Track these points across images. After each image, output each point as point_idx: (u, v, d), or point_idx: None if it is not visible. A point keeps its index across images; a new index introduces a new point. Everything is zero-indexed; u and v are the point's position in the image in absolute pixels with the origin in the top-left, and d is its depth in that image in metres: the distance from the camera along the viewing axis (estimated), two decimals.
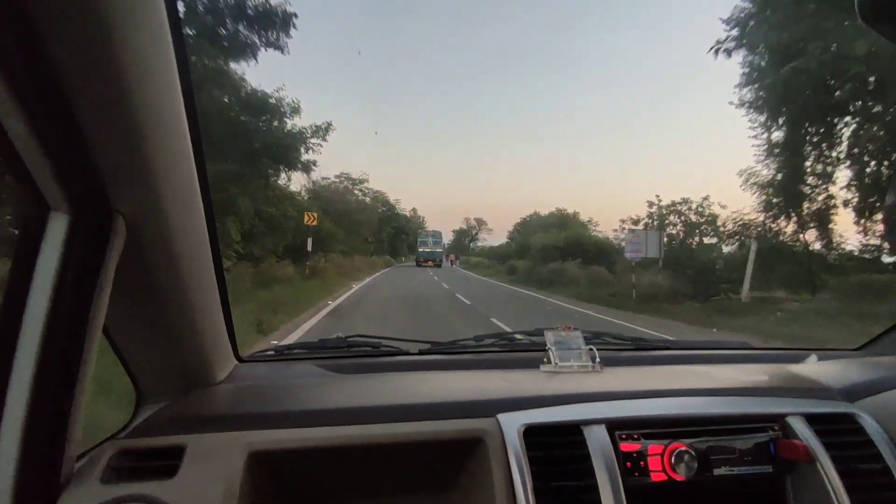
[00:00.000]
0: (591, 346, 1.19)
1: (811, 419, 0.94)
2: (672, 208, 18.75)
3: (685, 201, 18.48)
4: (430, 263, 35.66)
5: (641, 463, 0.87)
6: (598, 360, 1.17)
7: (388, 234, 37.34)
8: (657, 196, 19.46)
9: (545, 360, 1.16)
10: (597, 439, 0.85)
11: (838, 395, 1.04)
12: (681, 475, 0.86)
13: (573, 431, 0.87)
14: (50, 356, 0.61)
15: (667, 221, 18.71)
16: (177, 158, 0.69)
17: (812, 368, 1.25)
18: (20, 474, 0.59)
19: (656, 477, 0.86)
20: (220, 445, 0.77)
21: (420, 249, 36.99)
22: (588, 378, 1.11)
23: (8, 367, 0.59)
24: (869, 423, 0.95)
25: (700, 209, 17.97)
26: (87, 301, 0.63)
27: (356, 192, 27.84)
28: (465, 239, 76.51)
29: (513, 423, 0.86)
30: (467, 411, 0.90)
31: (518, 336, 1.31)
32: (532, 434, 0.85)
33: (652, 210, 19.20)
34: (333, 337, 1.26)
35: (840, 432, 0.94)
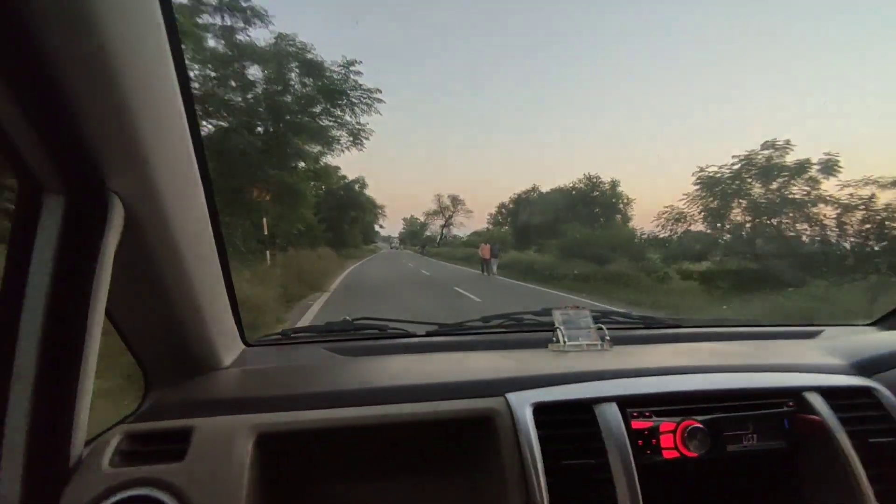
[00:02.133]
0: (601, 325, 1.18)
1: (827, 394, 0.93)
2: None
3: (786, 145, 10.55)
4: None
5: (653, 440, 0.85)
6: (607, 338, 1.15)
7: (329, 191, 14.97)
8: (790, 142, 10.82)
9: (554, 339, 1.15)
10: (608, 417, 0.84)
11: (854, 369, 1.02)
12: (693, 452, 0.85)
13: (584, 410, 0.86)
14: (52, 343, 0.60)
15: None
16: (171, 140, 0.67)
17: (826, 344, 1.23)
18: (27, 462, 0.59)
19: (668, 454, 0.85)
20: (228, 428, 0.77)
21: None
22: (597, 356, 1.09)
23: (10, 355, 0.58)
24: (886, 397, 0.94)
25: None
26: (88, 284, 0.62)
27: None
28: (425, 227, 56.82)
29: (523, 402, 0.85)
30: (476, 391, 0.89)
31: (526, 316, 1.30)
32: (542, 412, 0.84)
33: (737, 166, 11.29)
34: (340, 320, 1.26)
35: (856, 407, 0.92)
